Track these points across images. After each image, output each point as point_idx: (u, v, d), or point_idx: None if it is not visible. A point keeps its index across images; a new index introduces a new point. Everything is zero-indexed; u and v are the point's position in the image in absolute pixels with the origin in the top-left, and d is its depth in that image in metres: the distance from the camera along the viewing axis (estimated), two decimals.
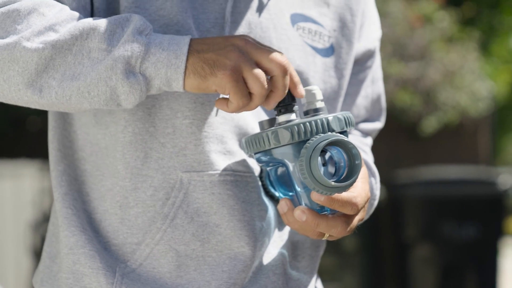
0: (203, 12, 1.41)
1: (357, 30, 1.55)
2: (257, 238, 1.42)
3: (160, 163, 1.40)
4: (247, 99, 1.31)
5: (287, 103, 1.34)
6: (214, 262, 1.41)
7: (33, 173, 6.47)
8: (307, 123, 1.31)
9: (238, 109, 1.32)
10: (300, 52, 1.48)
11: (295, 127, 1.30)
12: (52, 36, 1.30)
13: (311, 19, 1.50)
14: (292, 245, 1.49)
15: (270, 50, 1.33)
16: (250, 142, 1.35)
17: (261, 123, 1.36)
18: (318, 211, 1.33)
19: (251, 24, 1.44)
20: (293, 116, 1.34)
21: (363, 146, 1.59)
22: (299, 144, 1.31)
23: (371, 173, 1.54)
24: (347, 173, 1.30)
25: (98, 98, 1.30)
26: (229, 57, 1.30)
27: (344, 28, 1.53)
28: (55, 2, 1.35)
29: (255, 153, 1.36)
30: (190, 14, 1.40)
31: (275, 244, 1.46)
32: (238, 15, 1.43)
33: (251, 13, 1.44)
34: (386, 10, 7.29)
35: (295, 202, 1.37)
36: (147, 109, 1.40)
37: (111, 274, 1.39)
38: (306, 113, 1.36)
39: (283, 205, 1.36)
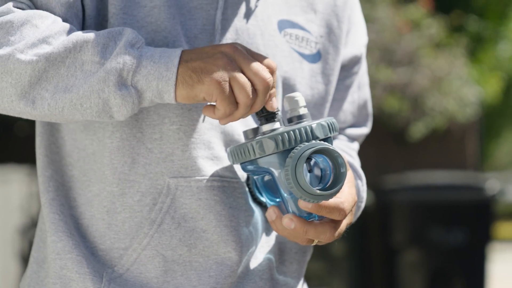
0: (190, 19, 1.42)
1: (343, 36, 1.56)
2: (244, 244, 1.42)
3: (147, 169, 1.40)
4: (234, 106, 1.31)
5: (270, 112, 1.34)
6: (201, 267, 1.41)
7: (21, 178, 6.45)
8: (291, 132, 1.30)
9: (225, 116, 1.32)
10: (287, 58, 1.48)
11: (279, 136, 1.30)
12: (45, 49, 1.30)
13: (298, 26, 1.51)
14: (279, 251, 1.49)
15: (257, 61, 1.33)
16: (235, 153, 1.35)
17: (245, 133, 1.36)
18: (306, 217, 1.34)
19: (238, 31, 1.44)
20: (277, 124, 1.34)
21: (350, 150, 1.60)
22: (284, 152, 1.31)
23: (357, 176, 1.55)
24: (333, 181, 1.30)
25: (91, 110, 1.31)
26: (217, 64, 1.30)
27: (331, 34, 1.54)
28: (48, 13, 1.35)
29: (241, 163, 1.36)
30: (178, 21, 1.40)
31: (262, 250, 1.47)
32: (225, 22, 1.43)
33: (238, 20, 1.44)
34: (374, 15, 7.30)
35: (282, 208, 1.37)
36: (135, 115, 1.40)
37: (98, 279, 1.39)
38: (290, 121, 1.36)
39: (271, 213, 1.36)
